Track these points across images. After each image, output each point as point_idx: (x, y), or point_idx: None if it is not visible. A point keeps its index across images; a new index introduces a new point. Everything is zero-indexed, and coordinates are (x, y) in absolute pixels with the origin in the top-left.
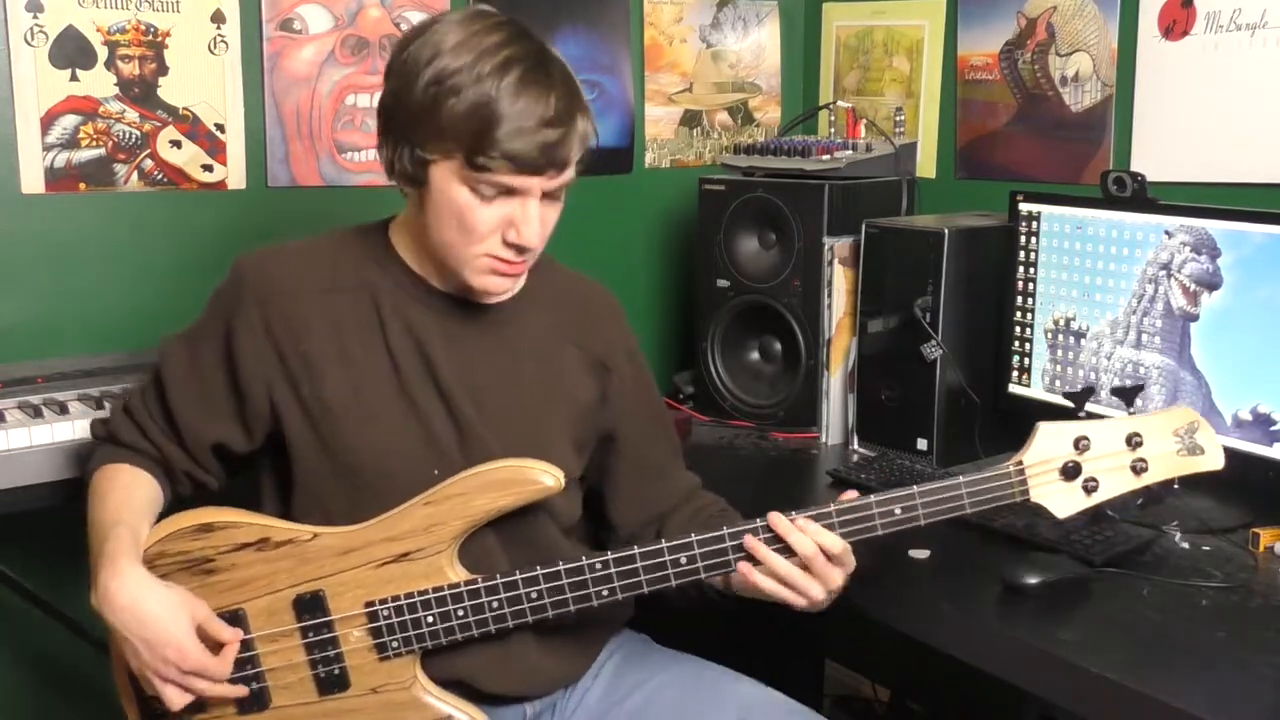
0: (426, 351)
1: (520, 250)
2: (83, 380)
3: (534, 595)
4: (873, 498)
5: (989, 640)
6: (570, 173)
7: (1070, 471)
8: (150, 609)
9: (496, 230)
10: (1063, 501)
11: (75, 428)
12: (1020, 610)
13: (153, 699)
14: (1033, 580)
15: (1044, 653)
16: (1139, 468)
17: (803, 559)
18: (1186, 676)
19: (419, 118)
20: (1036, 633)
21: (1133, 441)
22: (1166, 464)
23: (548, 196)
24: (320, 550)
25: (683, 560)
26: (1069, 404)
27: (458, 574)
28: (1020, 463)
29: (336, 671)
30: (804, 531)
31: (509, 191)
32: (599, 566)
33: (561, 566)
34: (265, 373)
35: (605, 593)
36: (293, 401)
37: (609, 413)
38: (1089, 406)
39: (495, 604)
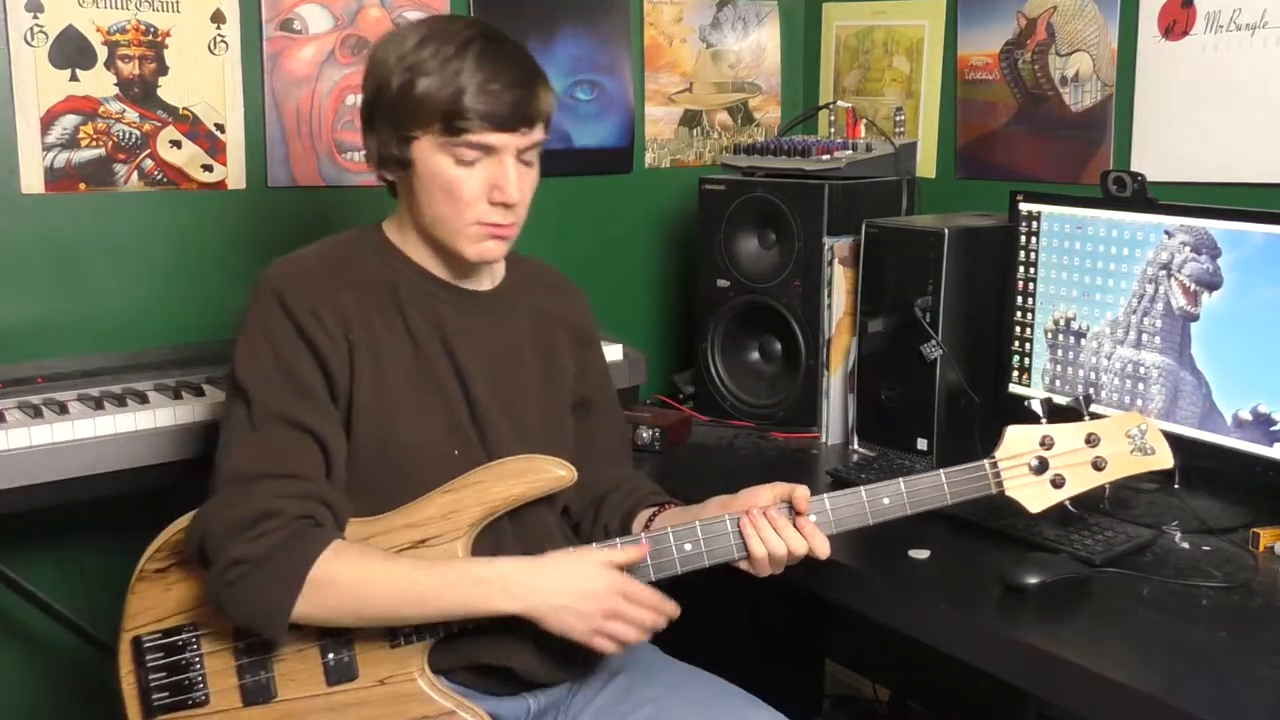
0: (445, 337)
1: (506, 209)
2: (83, 380)
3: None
4: (862, 490)
5: (989, 640)
6: (540, 133)
7: (1039, 466)
8: (567, 573)
9: (482, 194)
10: (1034, 496)
11: (75, 428)
12: (1020, 610)
13: (157, 707)
14: (1033, 580)
15: (1044, 653)
16: (1099, 464)
17: (790, 552)
18: (1186, 676)
19: (397, 103)
20: (1036, 633)
21: (1092, 441)
22: (1122, 462)
23: (523, 161)
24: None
25: (686, 546)
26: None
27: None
28: (994, 458)
29: (346, 659)
30: (801, 531)
31: (488, 152)
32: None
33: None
34: (341, 369)
35: None
36: (347, 392)
37: (586, 383)
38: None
39: None
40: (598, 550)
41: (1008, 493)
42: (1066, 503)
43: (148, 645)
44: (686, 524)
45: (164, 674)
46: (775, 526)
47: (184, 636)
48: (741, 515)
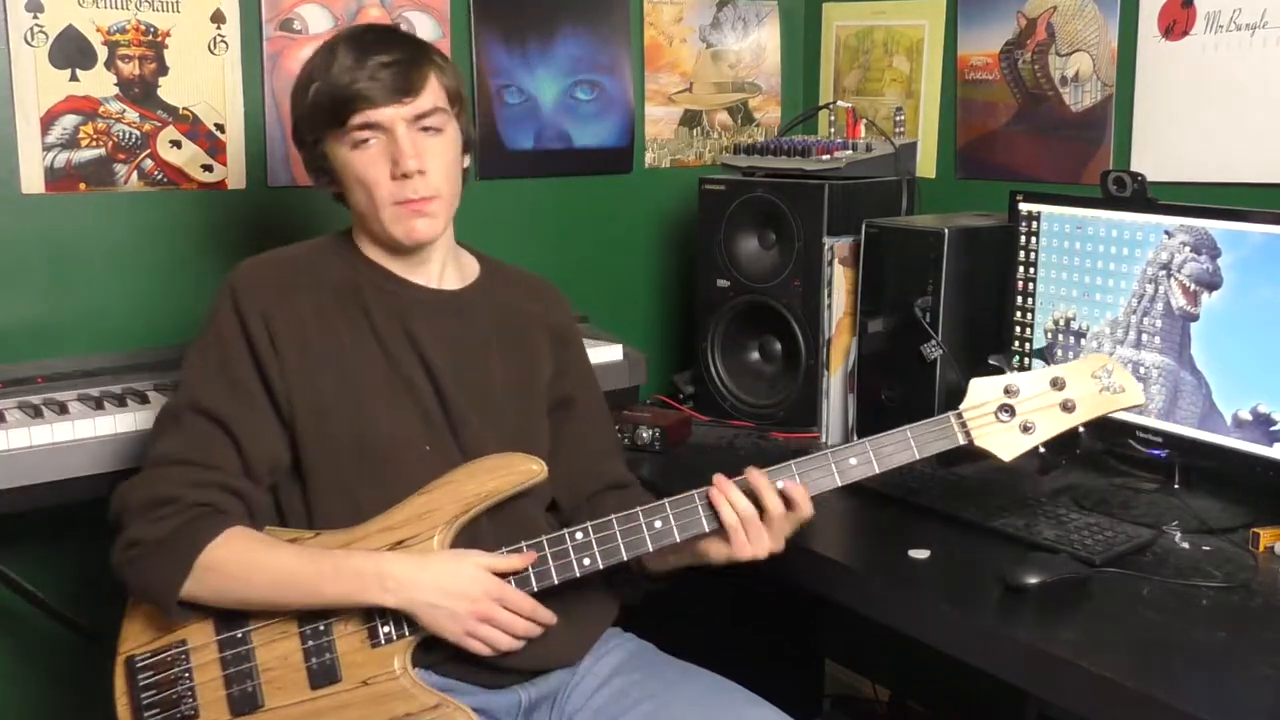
0: (411, 336)
1: (410, 180)
2: (83, 380)
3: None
4: (828, 451)
5: (989, 640)
6: (429, 100)
7: (1006, 412)
8: (445, 574)
9: (385, 172)
10: (1005, 443)
11: (75, 428)
12: (1020, 610)
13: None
14: (1033, 580)
15: (1044, 653)
16: (1069, 406)
17: (766, 509)
18: (1186, 676)
19: (302, 115)
20: (1036, 633)
21: (1057, 384)
22: (1092, 403)
23: (424, 129)
24: (322, 544)
25: (657, 524)
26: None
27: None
28: (959, 410)
29: (328, 661)
30: (771, 487)
31: (380, 131)
32: (579, 535)
33: (544, 538)
34: (284, 377)
35: (587, 561)
36: (303, 398)
37: (567, 381)
38: None
39: None
40: (482, 555)
41: (977, 442)
42: (1040, 448)
43: (139, 665)
44: (655, 503)
45: (154, 691)
46: (744, 490)
47: (173, 652)
48: (709, 488)
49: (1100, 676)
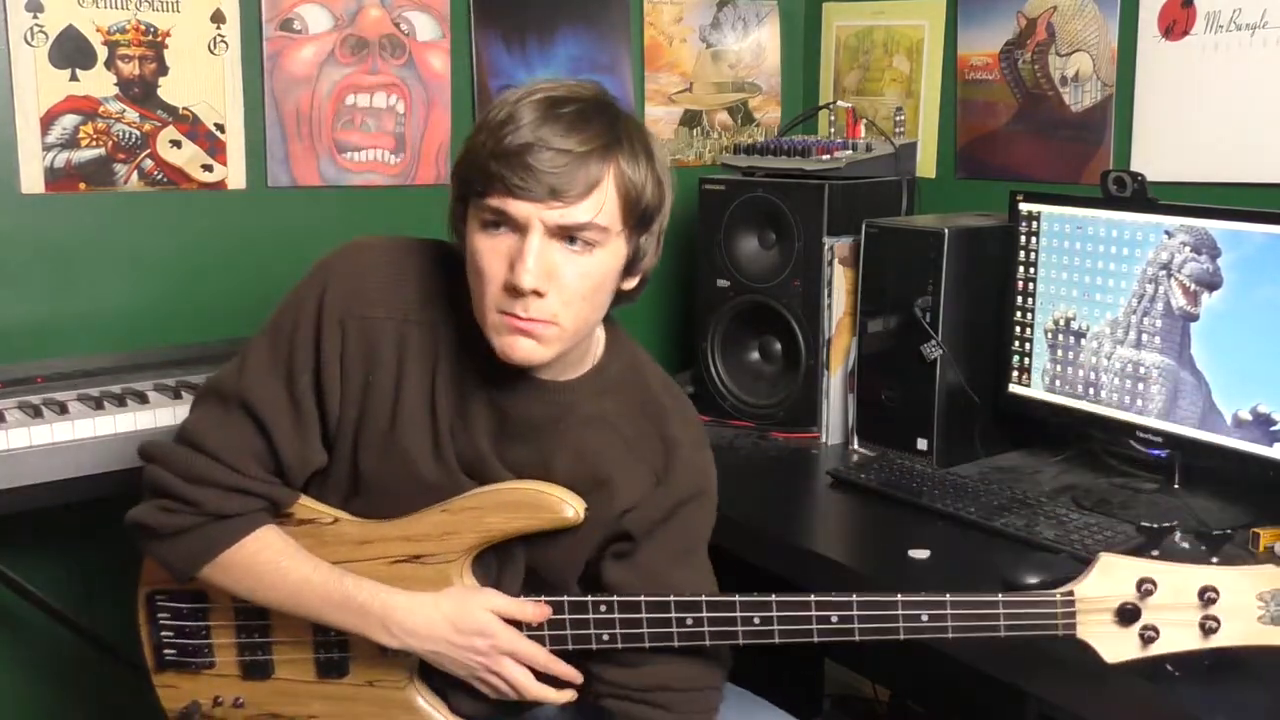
0: (465, 412)
1: (521, 296)
2: (83, 380)
3: (534, 626)
4: (899, 597)
5: (989, 640)
6: (582, 211)
7: (1127, 615)
8: (449, 623)
9: (502, 273)
10: (1113, 646)
11: (75, 428)
12: None
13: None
14: (1033, 580)
15: (1044, 653)
16: (1210, 627)
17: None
18: (1186, 677)
19: (458, 159)
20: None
21: (1206, 596)
22: (1243, 629)
23: (567, 240)
24: (338, 536)
25: (689, 621)
26: (1144, 537)
27: (466, 586)
28: (1071, 593)
29: (336, 658)
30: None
31: (513, 226)
32: (603, 609)
33: (565, 599)
34: (338, 396)
35: (606, 637)
36: (348, 427)
37: (631, 518)
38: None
39: None
40: (496, 597)
41: (1078, 635)
42: (1168, 666)
43: (159, 604)
44: (691, 597)
45: (172, 633)
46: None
47: (191, 605)
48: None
49: (1100, 676)
